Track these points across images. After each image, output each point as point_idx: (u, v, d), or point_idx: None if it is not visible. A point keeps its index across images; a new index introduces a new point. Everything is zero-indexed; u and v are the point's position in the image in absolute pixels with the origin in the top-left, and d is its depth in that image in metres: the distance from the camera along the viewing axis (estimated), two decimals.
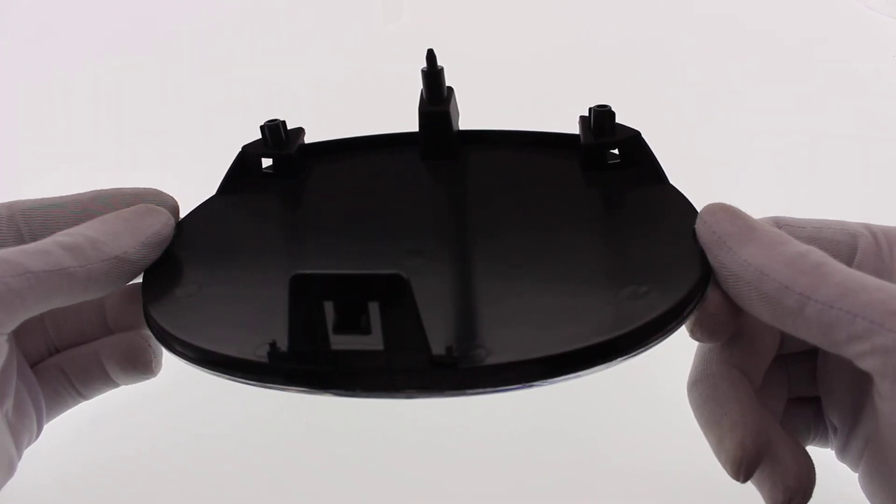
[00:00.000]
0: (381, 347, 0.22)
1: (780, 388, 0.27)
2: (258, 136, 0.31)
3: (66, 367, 0.28)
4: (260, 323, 0.24)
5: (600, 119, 0.29)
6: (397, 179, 0.31)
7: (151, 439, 0.41)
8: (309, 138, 0.32)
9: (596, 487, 0.36)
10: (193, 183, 0.33)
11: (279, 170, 0.31)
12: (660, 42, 0.56)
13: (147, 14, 0.65)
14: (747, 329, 0.25)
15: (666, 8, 0.59)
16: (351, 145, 0.32)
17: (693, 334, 0.25)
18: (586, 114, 0.30)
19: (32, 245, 0.25)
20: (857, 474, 0.25)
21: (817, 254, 0.23)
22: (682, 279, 0.24)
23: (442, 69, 0.30)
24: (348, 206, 0.30)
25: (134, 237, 0.26)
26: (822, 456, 0.26)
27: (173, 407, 0.39)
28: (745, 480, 0.23)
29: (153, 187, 0.29)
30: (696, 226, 0.25)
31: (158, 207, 0.27)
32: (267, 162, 0.32)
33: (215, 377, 0.24)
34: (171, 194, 0.29)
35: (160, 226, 0.27)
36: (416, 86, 0.31)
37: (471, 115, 0.33)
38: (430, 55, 0.30)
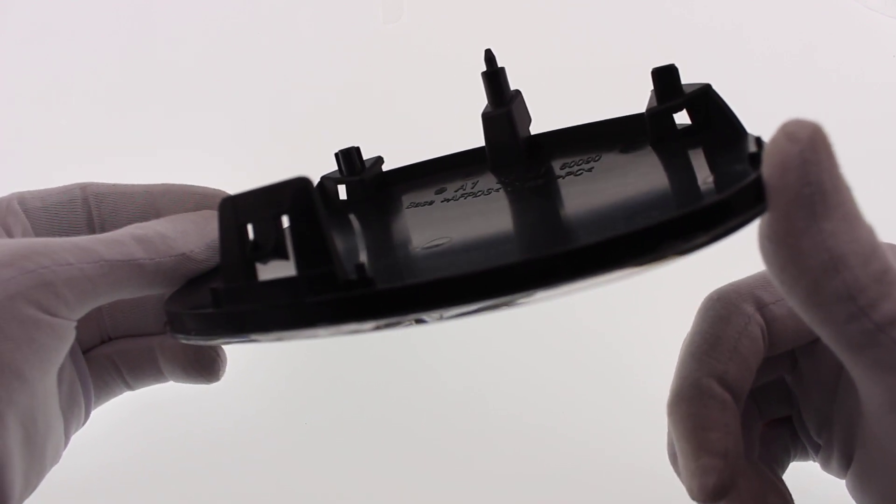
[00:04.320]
0: (294, 273, 0.19)
1: (752, 418, 0.26)
2: (257, 134, 0.31)
3: (118, 359, 0.28)
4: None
5: (662, 80, 0.26)
6: (462, 193, 0.29)
7: (153, 438, 0.41)
8: (313, 140, 0.33)
9: (595, 486, 0.37)
10: (195, 182, 0.33)
11: (352, 196, 0.31)
12: (655, 38, 0.57)
13: (147, 14, 0.65)
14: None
15: (661, 7, 0.59)
16: (427, 168, 0.31)
17: None
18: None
19: (107, 235, 0.25)
20: (843, 480, 0.24)
21: (883, 247, 0.19)
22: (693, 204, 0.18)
23: (502, 69, 0.28)
24: (403, 224, 0.28)
25: (200, 238, 0.26)
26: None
27: (181, 406, 0.40)
28: None
29: (221, 189, 0.29)
30: (769, 156, 0.18)
31: None
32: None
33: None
34: None
35: None
36: (417, 87, 0.30)
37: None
38: (489, 55, 0.28)
